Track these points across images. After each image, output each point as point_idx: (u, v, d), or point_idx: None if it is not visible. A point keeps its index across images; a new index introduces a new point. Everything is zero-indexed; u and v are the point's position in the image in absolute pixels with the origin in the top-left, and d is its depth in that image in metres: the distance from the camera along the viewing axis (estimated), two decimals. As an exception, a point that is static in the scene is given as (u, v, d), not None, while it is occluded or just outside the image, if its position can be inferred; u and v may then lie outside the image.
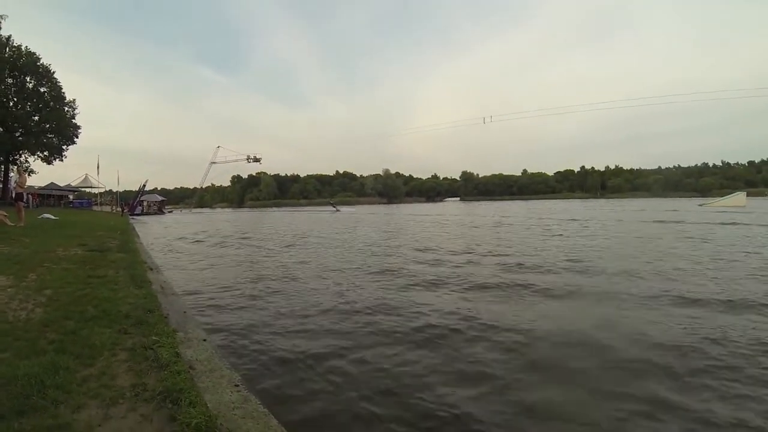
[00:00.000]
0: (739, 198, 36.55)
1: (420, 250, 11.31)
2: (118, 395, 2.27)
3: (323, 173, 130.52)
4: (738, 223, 17.57)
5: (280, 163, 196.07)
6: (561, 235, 14.99)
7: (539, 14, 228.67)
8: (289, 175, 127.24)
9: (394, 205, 77.52)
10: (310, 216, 41.21)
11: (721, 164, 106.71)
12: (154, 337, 3.24)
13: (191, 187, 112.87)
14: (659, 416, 2.74)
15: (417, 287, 6.76)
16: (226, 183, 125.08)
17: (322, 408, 2.93)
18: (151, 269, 7.54)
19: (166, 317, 4.02)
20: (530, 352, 3.89)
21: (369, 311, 5.40)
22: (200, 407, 2.15)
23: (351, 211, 52.90)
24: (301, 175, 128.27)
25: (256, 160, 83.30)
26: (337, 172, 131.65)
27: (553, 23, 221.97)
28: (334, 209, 56.00)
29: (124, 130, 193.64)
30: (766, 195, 66.83)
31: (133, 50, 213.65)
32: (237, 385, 2.68)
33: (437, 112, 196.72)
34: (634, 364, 3.56)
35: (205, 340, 3.70)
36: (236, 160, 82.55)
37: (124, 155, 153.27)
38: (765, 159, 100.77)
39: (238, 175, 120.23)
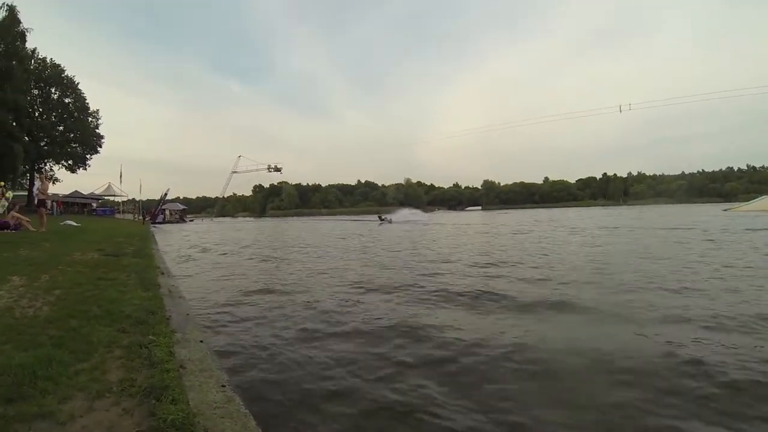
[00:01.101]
0: (765, 202, 35.15)
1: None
2: (105, 389, 2.32)
3: (345, 182, 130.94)
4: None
5: (301, 172, 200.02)
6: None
7: (557, 21, 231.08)
8: (310, 184, 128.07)
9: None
10: (362, 226, 33.31)
11: (746, 168, 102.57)
12: (150, 337, 3.30)
13: (213, 197, 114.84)
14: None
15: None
16: (248, 192, 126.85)
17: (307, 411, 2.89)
18: (163, 273, 7.71)
19: (168, 318, 4.10)
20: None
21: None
22: (181, 405, 2.17)
23: (423, 220, 39.98)
24: (323, 185, 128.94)
25: (277, 169, 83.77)
26: (358, 181, 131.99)
27: (572, 29, 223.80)
28: (382, 221, 38.77)
29: (146, 140, 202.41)
30: None
31: (156, 61, 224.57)
32: (223, 386, 2.70)
33: (458, 120, 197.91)
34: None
35: (201, 341, 3.75)
36: (257, 170, 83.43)
37: (147, 165, 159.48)
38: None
39: (260, 185, 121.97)
